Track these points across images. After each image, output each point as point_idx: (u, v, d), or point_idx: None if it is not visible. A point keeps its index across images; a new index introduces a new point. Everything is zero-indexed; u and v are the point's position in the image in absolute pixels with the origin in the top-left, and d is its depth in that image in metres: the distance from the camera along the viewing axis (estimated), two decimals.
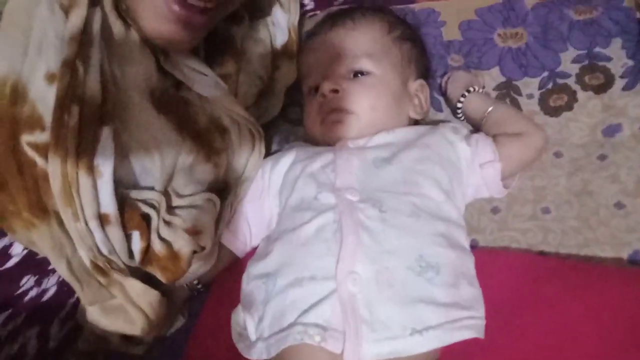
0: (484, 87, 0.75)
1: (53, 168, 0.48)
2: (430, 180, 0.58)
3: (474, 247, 0.64)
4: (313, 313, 0.49)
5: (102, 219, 0.52)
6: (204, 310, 0.66)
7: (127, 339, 0.62)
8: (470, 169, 0.63)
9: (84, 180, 0.50)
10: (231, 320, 0.60)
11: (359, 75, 0.66)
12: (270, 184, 0.65)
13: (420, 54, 0.73)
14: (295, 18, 0.80)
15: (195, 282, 0.66)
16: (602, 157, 0.67)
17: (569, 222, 0.63)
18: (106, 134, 0.52)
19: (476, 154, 0.63)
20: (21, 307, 0.56)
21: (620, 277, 0.56)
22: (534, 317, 0.55)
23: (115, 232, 0.53)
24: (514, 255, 0.62)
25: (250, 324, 0.57)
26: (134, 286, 0.57)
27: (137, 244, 0.55)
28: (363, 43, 0.67)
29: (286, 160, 0.65)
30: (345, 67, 0.66)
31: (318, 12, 0.89)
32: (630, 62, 0.71)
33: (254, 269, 0.58)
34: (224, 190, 0.67)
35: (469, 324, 0.51)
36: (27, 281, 0.56)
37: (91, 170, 0.50)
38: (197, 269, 0.63)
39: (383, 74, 0.66)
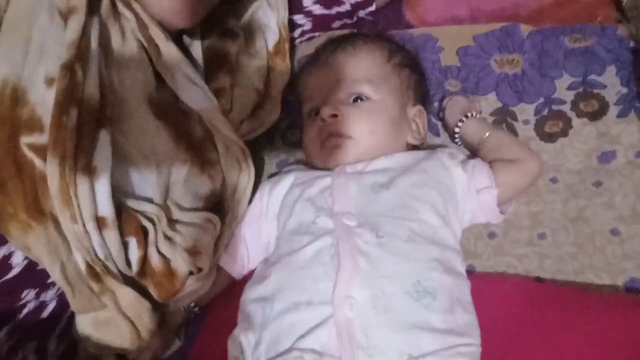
0: (480, 112, 0.76)
1: (51, 169, 0.49)
2: (426, 205, 0.59)
3: (470, 272, 0.64)
4: (309, 338, 0.49)
5: (99, 222, 0.52)
6: (200, 333, 0.66)
7: (122, 358, 0.62)
8: (466, 194, 0.64)
9: (82, 181, 0.51)
10: (228, 344, 0.60)
11: (358, 100, 0.67)
12: (269, 208, 0.66)
13: (418, 81, 0.74)
14: (284, 15, 0.81)
15: (192, 304, 0.66)
16: (597, 184, 0.67)
17: (565, 248, 0.64)
18: (104, 136, 0.53)
19: (472, 179, 0.64)
20: (21, 321, 0.56)
21: (616, 305, 0.57)
22: (530, 345, 0.55)
23: (112, 236, 0.53)
24: (511, 282, 0.62)
25: (247, 348, 0.57)
26: (126, 295, 0.56)
27: (135, 252, 0.56)
28: (363, 69, 0.68)
29: (284, 183, 0.66)
30: (345, 92, 0.67)
31: (316, 33, 0.91)
32: (624, 90, 0.73)
33: (251, 293, 0.58)
34: (222, 210, 0.68)
35: (465, 351, 0.51)
36: (28, 294, 0.56)
37: (89, 171, 0.51)
38: (193, 290, 0.63)
39: (382, 99, 0.67)
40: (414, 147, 0.72)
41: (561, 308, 0.57)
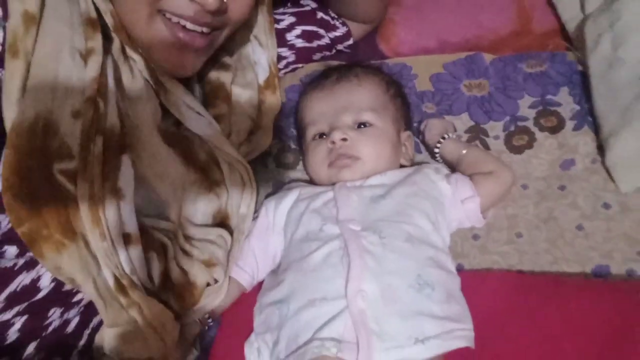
0: (456, 131, 0.85)
1: (82, 192, 0.55)
2: (419, 212, 0.66)
3: (460, 270, 0.71)
4: (327, 329, 0.55)
5: (125, 239, 0.57)
6: (216, 341, 0.70)
7: None
8: (452, 204, 0.71)
9: (110, 202, 0.56)
10: (244, 350, 0.65)
11: (363, 126, 0.74)
12: (275, 222, 0.72)
13: (407, 109, 0.83)
14: (274, 53, 0.90)
15: (206, 316, 0.70)
16: (562, 188, 0.77)
17: (540, 244, 0.72)
18: (126, 161, 0.59)
19: (457, 191, 0.72)
20: (47, 337, 0.59)
21: (587, 288, 0.65)
22: (517, 328, 0.63)
23: (136, 252, 0.58)
24: (496, 276, 0.69)
25: (264, 350, 0.62)
26: (151, 306, 0.60)
27: (156, 267, 0.61)
28: (367, 99, 0.76)
29: (289, 199, 0.72)
30: (352, 118, 0.74)
31: (299, 65, 0.99)
32: (577, 107, 0.84)
33: (266, 299, 0.63)
34: (229, 226, 0.73)
35: (462, 335, 0.58)
36: (54, 313, 0.59)
37: (115, 193, 0.57)
38: (209, 302, 0.68)
39: (383, 126, 0.75)
40: (401, 166, 0.80)
41: (540, 294, 0.65)
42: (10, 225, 0.56)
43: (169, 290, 0.63)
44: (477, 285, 0.67)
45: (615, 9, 0.85)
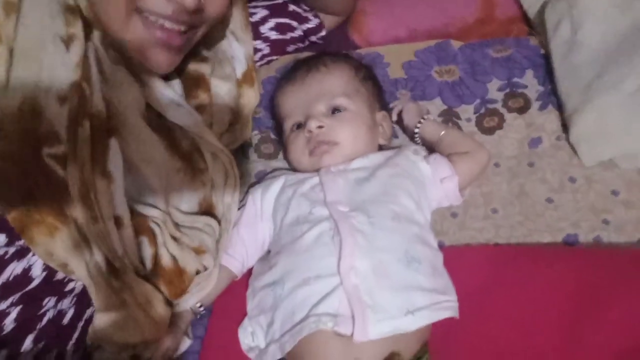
0: (429, 114, 0.88)
1: (72, 175, 0.55)
2: (403, 191, 0.69)
3: (441, 246, 0.74)
4: (323, 305, 0.58)
5: (117, 222, 0.58)
6: (209, 329, 0.72)
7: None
8: (432, 184, 0.74)
9: (100, 184, 0.57)
10: (239, 335, 0.67)
11: (337, 111, 0.77)
12: (263, 209, 0.73)
13: (379, 90, 0.85)
14: (250, 48, 0.91)
15: (198, 304, 0.71)
16: (531, 164, 0.81)
17: (514, 217, 0.77)
18: (114, 144, 0.60)
19: (436, 171, 0.75)
20: (43, 328, 0.59)
21: (559, 255, 0.70)
22: (497, 297, 0.67)
23: (128, 234, 0.59)
24: (475, 250, 0.74)
25: (259, 332, 0.64)
26: (143, 287, 0.61)
27: (147, 250, 0.62)
28: (338, 85, 0.78)
29: (275, 186, 0.74)
30: (325, 105, 0.77)
31: (274, 57, 1.01)
32: (542, 88, 0.89)
33: (259, 282, 0.65)
34: (215, 214, 0.74)
35: (448, 306, 0.62)
36: (48, 302, 0.59)
37: (105, 176, 0.58)
38: (200, 289, 0.69)
39: (357, 109, 0.77)
40: (380, 147, 0.83)
41: (517, 263, 0.69)
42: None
43: (159, 276, 0.64)
44: (457, 260, 0.70)
45: None
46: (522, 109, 0.87)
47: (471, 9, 1.06)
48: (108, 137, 0.60)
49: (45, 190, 0.55)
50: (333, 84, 0.78)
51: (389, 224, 0.64)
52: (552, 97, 0.87)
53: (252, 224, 0.74)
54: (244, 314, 0.70)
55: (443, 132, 0.80)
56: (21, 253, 0.57)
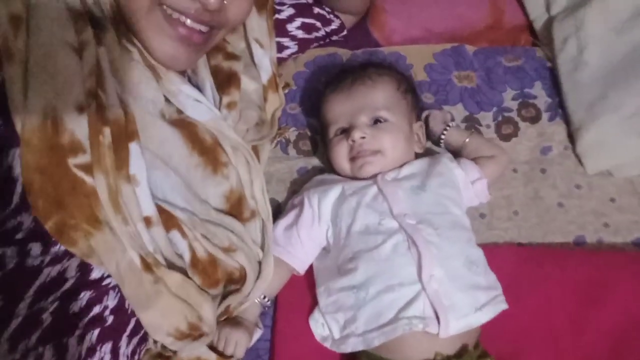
0: (454, 120, 0.97)
1: (99, 183, 0.59)
2: (451, 200, 0.79)
3: None
4: (410, 309, 0.67)
5: (146, 222, 0.62)
6: (279, 319, 0.80)
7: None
8: (465, 186, 0.85)
9: (126, 189, 0.61)
10: (310, 324, 0.76)
11: (379, 122, 0.83)
12: (321, 214, 0.80)
13: (417, 101, 0.92)
14: (274, 53, 0.94)
15: (263, 297, 0.78)
16: (543, 171, 0.94)
17: (532, 219, 0.89)
18: (135, 147, 0.63)
19: (467, 174, 0.85)
20: (90, 323, 0.61)
21: (569, 256, 0.83)
22: (523, 289, 0.79)
23: (158, 232, 0.63)
24: (502, 249, 0.86)
25: (333, 325, 0.73)
26: (174, 278, 0.64)
27: (181, 242, 0.66)
28: (382, 98, 0.84)
29: (333, 194, 0.80)
30: (368, 117, 0.83)
31: (299, 53, 1.05)
32: (550, 100, 1.00)
33: (336, 284, 0.73)
34: (244, 207, 0.77)
35: (501, 299, 0.73)
36: (84, 295, 0.62)
37: (129, 180, 0.61)
38: (258, 285, 0.75)
39: (397, 120, 0.84)
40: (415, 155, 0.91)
41: (538, 261, 0.82)
42: (33, 224, 0.58)
43: (193, 268, 0.67)
44: (487, 257, 0.82)
45: (579, 17, 1.01)
46: (534, 119, 0.98)
47: (481, 14, 1.14)
48: (128, 141, 0.62)
49: (76, 199, 0.58)
50: (377, 97, 0.84)
51: (450, 233, 0.74)
52: (559, 109, 0.98)
53: (310, 226, 0.80)
54: (308, 306, 0.79)
55: (468, 139, 0.90)
56: (57, 260, 0.60)
